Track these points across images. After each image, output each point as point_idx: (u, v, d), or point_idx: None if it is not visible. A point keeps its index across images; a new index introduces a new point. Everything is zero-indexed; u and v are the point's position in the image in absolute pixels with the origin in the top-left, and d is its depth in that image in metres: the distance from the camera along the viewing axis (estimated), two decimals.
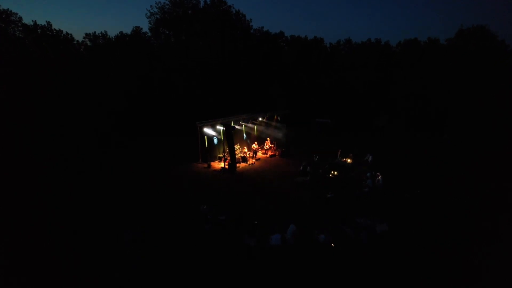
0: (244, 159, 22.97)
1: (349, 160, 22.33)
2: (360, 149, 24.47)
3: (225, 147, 21.38)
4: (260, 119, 24.54)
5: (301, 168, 20.32)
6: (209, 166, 21.63)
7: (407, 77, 36.88)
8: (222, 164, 21.39)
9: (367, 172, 19.87)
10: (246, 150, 23.60)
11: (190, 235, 12.53)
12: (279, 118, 24.54)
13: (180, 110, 33.02)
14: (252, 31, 41.88)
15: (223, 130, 20.43)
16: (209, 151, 22.56)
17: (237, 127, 22.69)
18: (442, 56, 35.78)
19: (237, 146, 23.76)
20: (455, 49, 35.75)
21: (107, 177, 19.52)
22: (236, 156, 22.81)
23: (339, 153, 23.29)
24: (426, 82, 34.95)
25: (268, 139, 25.45)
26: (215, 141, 22.46)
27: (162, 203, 15.58)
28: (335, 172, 20.13)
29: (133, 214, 14.21)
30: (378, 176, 18.25)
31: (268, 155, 25.00)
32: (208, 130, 21.99)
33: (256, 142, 24.69)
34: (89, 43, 40.24)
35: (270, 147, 25.40)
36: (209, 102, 33.48)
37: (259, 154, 25.25)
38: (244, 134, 24.70)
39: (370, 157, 21.52)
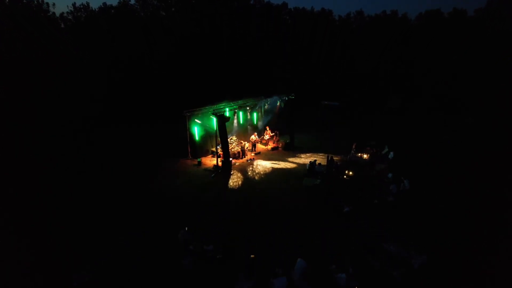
0: (242, 153, 19.52)
1: (365, 156, 18.82)
2: (376, 140, 20.92)
3: (219, 139, 17.82)
4: (260, 105, 20.76)
5: (308, 166, 16.92)
6: (200, 163, 18.20)
7: (427, 54, 32.58)
8: (214, 161, 17.92)
9: (388, 172, 16.52)
10: (243, 143, 20.06)
11: (162, 275, 9.28)
12: (282, 105, 20.74)
13: (166, 94, 29.19)
14: (251, 1, 37.03)
15: (215, 121, 16.81)
16: (200, 145, 19.08)
17: (230, 115, 19.03)
18: (470, 30, 31.23)
19: (233, 138, 20.24)
20: (486, 21, 31.06)
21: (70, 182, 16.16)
22: (232, 150, 19.35)
23: (353, 146, 19.76)
24: (449, 60, 30.68)
25: (268, 128, 21.78)
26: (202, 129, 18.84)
27: (128, 224, 12.17)
28: (350, 172, 16.69)
29: (87, 244, 10.89)
30: (403, 181, 14.85)
31: (269, 147, 21.48)
32: (198, 120, 18.42)
33: (255, 133, 21.06)
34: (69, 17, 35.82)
35: (272, 137, 21.81)
36: (200, 86, 29.37)
37: (259, 146, 21.74)
38: (239, 123, 21.02)
39: (391, 153, 17.96)
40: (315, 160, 17.03)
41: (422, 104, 31.76)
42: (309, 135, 24.18)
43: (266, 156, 20.09)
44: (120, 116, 26.68)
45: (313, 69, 35.90)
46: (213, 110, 16.82)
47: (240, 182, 16.05)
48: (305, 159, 19.35)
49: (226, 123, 17.04)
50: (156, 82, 30.22)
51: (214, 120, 17.67)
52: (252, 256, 9.29)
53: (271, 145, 21.78)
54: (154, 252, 10.16)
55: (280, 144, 21.52)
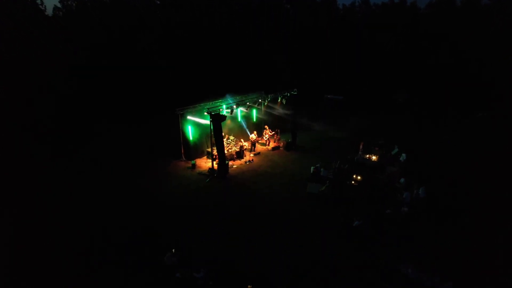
0: (240, 155, 18.03)
1: (374, 157, 17.32)
2: (384, 138, 19.43)
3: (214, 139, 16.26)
4: (259, 101, 19.14)
5: (312, 170, 15.44)
6: (194, 166, 16.71)
7: (437, 45, 30.74)
8: (210, 163, 16.41)
9: (400, 177, 15.05)
10: (243, 143, 18.52)
11: None
12: (284, 102, 19.10)
13: (158, 89, 27.48)
14: None
15: (210, 121, 15.24)
16: (194, 146, 17.57)
17: (229, 114, 17.44)
18: (483, 20, 29.30)
19: (231, 137, 18.72)
20: (501, 10, 29.11)
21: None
22: (230, 151, 17.87)
23: (361, 146, 18.25)
24: (461, 52, 28.88)
25: (267, 126, 20.21)
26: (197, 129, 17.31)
27: (108, 242, 10.76)
28: (358, 177, 15.21)
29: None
30: (418, 188, 13.38)
31: (269, 147, 19.96)
32: (192, 118, 16.88)
33: (255, 132, 19.49)
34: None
35: (272, 136, 20.26)
36: (195, 80, 27.50)
37: (259, 146, 20.22)
38: (238, 121, 19.46)
39: (403, 155, 16.44)
40: (320, 165, 15.51)
41: (430, 98, 30.09)
42: (312, 133, 22.65)
43: (266, 157, 18.58)
44: (107, 113, 24.87)
45: (316, 61, 34.07)
46: (208, 108, 15.22)
47: (237, 189, 14.60)
48: (308, 160, 17.86)
49: (223, 122, 15.50)
50: (147, 75, 28.41)
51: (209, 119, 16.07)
52: (249, 287, 7.91)
53: (271, 143, 20.27)
54: (135, 281, 8.76)
55: (281, 144, 19.99)
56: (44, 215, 12.03)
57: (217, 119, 15.07)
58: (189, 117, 16.79)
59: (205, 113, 15.36)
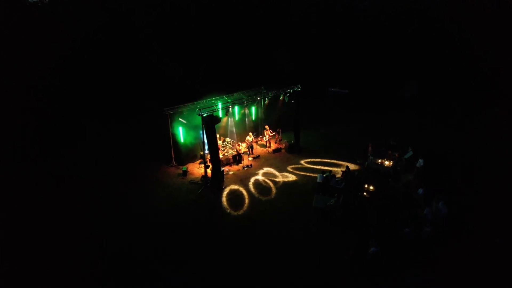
0: (237, 159, 16.20)
1: (387, 162, 15.45)
2: (396, 137, 17.55)
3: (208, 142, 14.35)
4: (258, 99, 17.16)
5: (319, 179, 13.58)
6: (185, 173, 14.90)
7: (451, 32, 28.49)
8: (203, 169, 14.54)
9: (418, 187, 13.19)
10: (240, 146, 16.65)
11: None
12: (286, 99, 17.09)
13: (146, 84, 25.32)
14: None
15: (202, 123, 13.33)
16: (186, 149, 15.74)
17: (222, 114, 15.52)
18: (504, 6, 26.90)
19: (227, 140, 16.87)
20: None
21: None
22: (226, 155, 16.05)
23: (369, 148, 16.38)
24: (479, 37, 26.63)
25: (267, 126, 18.28)
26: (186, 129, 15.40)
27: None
28: (371, 187, 13.38)
29: None
30: (439, 202, 11.53)
31: (270, 149, 18.08)
32: (182, 120, 15.00)
33: (250, 133, 17.48)
34: None
35: (273, 136, 18.37)
36: (186, 74, 25.13)
37: (258, 148, 18.35)
38: (235, 121, 17.53)
39: (420, 160, 14.51)
40: (327, 173, 13.62)
41: (443, 90, 27.96)
42: (316, 132, 20.70)
43: (267, 161, 16.72)
44: (91, 110, 22.70)
45: (320, 51, 31.78)
46: (199, 109, 13.28)
47: (232, 202, 12.82)
48: (313, 165, 16.05)
49: (214, 129, 13.55)
50: (132, 68, 26.10)
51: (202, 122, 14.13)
52: None
53: (272, 144, 18.40)
54: None
55: (283, 145, 18.11)
56: (11, 232, 10.33)
57: (210, 121, 13.17)
58: (179, 119, 14.90)
59: (197, 115, 13.44)
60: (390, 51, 31.37)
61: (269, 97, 16.89)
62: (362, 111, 25.39)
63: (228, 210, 12.18)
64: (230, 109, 15.51)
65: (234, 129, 17.37)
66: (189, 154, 15.97)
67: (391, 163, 15.35)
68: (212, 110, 13.74)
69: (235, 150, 16.50)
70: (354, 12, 33.83)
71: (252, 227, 11.10)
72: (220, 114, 15.37)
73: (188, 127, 15.24)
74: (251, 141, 17.12)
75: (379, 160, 15.59)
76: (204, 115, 13.06)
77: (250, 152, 17.04)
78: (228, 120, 16.86)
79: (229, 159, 16.06)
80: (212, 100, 15.67)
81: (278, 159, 16.88)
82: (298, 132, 17.93)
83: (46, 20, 25.33)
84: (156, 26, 27.76)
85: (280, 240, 10.44)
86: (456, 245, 10.15)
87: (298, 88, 17.13)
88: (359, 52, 31.83)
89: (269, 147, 18.24)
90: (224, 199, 13.01)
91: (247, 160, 16.21)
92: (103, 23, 27.28)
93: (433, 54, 29.78)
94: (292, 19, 32.67)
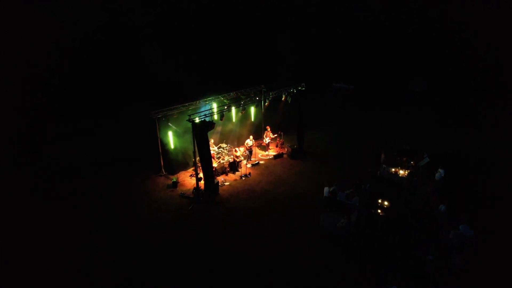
0: (234, 167, 14.55)
1: (401, 172, 13.77)
2: (409, 141, 15.92)
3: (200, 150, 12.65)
4: (257, 98, 15.37)
5: (326, 194, 11.91)
6: (175, 184, 13.25)
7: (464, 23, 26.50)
8: (195, 179, 12.83)
9: (439, 202, 11.53)
10: (237, 153, 14.92)
11: None
12: (289, 99, 15.30)
13: (134, 83, 23.48)
14: None
15: (193, 129, 11.61)
16: (177, 157, 14.07)
17: (217, 117, 13.76)
18: None
19: (223, 145, 15.16)
20: None
21: None
22: (222, 162, 14.39)
23: (382, 156, 14.70)
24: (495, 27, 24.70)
25: (268, 128, 16.53)
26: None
27: None
28: (385, 202, 11.75)
29: None
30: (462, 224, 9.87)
31: (271, 154, 16.39)
32: (171, 125, 13.30)
33: (251, 137, 15.71)
34: None
35: (275, 139, 16.66)
36: (178, 71, 23.02)
37: (258, 152, 16.67)
38: (232, 123, 15.79)
39: (441, 171, 12.81)
40: (334, 186, 11.90)
41: (454, 87, 26.13)
42: (321, 134, 18.96)
43: (267, 169, 15.03)
44: (76, 108, 20.94)
45: (324, 44, 29.80)
46: (189, 116, 11.55)
47: (226, 221, 11.22)
48: (319, 173, 14.39)
49: (206, 136, 11.85)
50: (128, 67, 24.27)
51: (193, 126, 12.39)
52: None
53: (273, 149, 16.73)
54: None
55: (286, 150, 16.43)
56: None
57: (201, 128, 11.46)
58: (169, 124, 13.19)
59: (187, 121, 11.72)
60: (397, 46, 29.46)
61: (270, 98, 15.12)
62: (369, 109, 23.58)
63: (220, 232, 10.57)
64: (226, 110, 13.75)
65: (230, 133, 15.65)
66: (181, 162, 14.30)
67: (406, 172, 13.68)
68: (204, 114, 12.02)
69: (231, 156, 14.83)
70: (359, 7, 31.75)
71: (246, 256, 9.48)
72: (216, 117, 13.63)
73: (179, 131, 13.56)
74: (251, 145, 15.41)
75: (393, 169, 13.92)
76: (195, 121, 11.34)
77: (249, 157, 15.32)
78: (224, 123, 15.10)
79: (225, 167, 14.40)
80: (206, 101, 13.93)
81: (280, 166, 15.19)
82: (302, 135, 16.20)
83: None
84: (148, 17, 25.87)
85: (279, 273, 8.86)
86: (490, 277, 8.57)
87: (302, 88, 15.33)
88: (364, 46, 29.91)
89: (269, 148, 16.56)
90: (215, 217, 11.40)
91: (245, 168, 14.54)
92: (102, 23, 25.71)
93: (441, 48, 27.86)
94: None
